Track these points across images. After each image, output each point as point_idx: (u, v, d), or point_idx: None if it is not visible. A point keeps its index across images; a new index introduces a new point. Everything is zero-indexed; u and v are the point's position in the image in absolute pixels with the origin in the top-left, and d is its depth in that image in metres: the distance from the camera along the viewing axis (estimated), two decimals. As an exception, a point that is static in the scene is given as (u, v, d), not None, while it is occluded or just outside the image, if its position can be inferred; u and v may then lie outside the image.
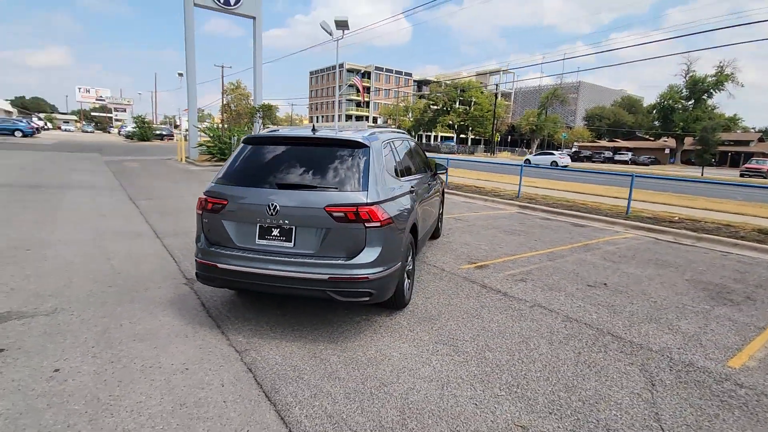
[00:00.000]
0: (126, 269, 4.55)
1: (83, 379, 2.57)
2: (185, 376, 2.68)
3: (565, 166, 31.48)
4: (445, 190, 7.94)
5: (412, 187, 4.09)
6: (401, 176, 3.99)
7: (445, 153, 57.62)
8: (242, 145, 3.61)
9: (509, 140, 71.00)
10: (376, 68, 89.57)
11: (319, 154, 3.37)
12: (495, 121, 61.98)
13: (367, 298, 3.13)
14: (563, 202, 10.77)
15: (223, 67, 56.90)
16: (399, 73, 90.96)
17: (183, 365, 2.80)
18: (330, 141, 3.43)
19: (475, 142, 78.63)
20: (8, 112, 69.51)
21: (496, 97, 62.54)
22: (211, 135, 19.04)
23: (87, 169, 14.60)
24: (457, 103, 67.09)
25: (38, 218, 6.64)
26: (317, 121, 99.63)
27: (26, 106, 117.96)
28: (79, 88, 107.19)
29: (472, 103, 65.34)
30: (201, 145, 19.70)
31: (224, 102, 59.60)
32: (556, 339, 3.38)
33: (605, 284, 4.75)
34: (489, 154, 60.19)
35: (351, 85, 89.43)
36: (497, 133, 67.48)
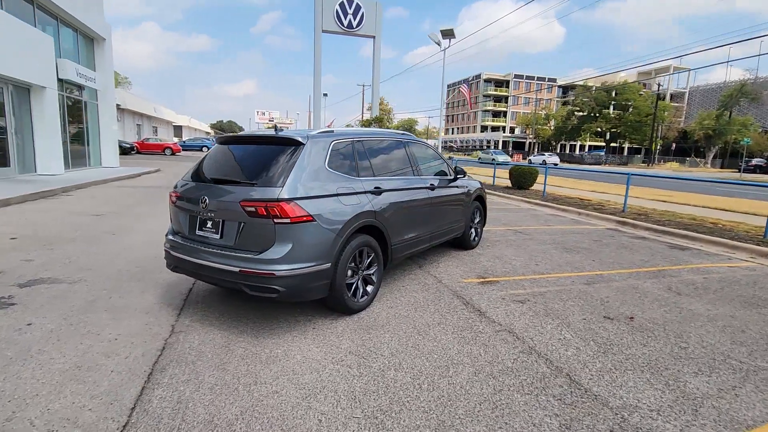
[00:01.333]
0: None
1: (38, 333, 3.16)
2: (107, 344, 3.05)
3: (555, 164, 30.72)
4: (497, 200, 7.18)
5: (377, 187, 3.89)
6: (362, 175, 3.83)
7: (589, 164, 51.71)
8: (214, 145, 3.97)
9: (673, 149, 59.77)
10: (516, 76, 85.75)
11: (258, 152, 3.50)
12: (655, 126, 53.08)
13: (274, 295, 3.10)
14: (685, 219, 8.70)
15: (363, 86, 61.57)
16: (542, 79, 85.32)
17: (117, 335, 3.20)
18: (271, 140, 3.52)
19: (635, 152, 68.53)
20: (207, 133, 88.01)
21: (658, 99, 53.54)
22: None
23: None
24: (611, 108, 59.62)
25: (147, 211, 8.27)
26: (452, 133, 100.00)
27: (222, 127, 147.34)
28: (257, 112, 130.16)
29: (629, 108, 57.28)
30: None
31: (362, 117, 64.21)
32: (490, 370, 2.81)
33: (631, 318, 3.72)
34: (647, 164, 51.73)
35: (487, 96, 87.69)
36: (660, 140, 57.62)
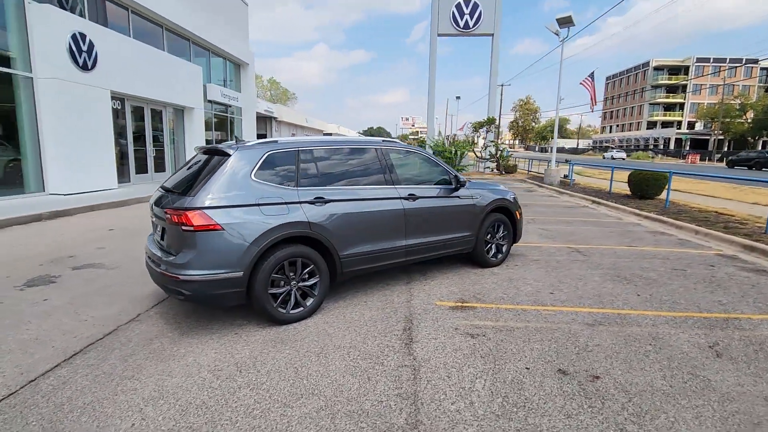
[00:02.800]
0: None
1: (42, 308, 3.99)
2: (74, 323, 3.67)
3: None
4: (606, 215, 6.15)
5: (319, 197, 3.77)
6: (304, 185, 3.76)
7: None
8: None
9: None
10: (699, 60, 70.72)
11: (202, 163, 3.75)
12: None
13: (181, 297, 3.30)
14: None
15: (502, 85, 59.11)
16: (736, 60, 68.45)
17: (90, 317, 3.81)
18: (213, 151, 3.74)
19: None
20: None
21: None
22: (436, 149, 20.63)
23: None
24: None
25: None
26: (609, 131, 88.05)
27: (372, 134, 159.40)
28: (401, 118, 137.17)
29: None
30: (428, 160, 21.62)
31: (499, 117, 61.72)
32: (337, 409, 2.48)
33: (595, 377, 2.80)
34: None
35: (657, 86, 74.13)
36: None
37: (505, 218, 5.40)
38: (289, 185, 3.71)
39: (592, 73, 16.06)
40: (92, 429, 2.34)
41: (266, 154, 3.69)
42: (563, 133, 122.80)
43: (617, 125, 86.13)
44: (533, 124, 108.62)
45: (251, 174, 3.55)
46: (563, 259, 5.82)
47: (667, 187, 10.58)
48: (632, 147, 74.93)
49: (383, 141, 4.57)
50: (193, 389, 2.70)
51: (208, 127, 17.40)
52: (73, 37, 9.69)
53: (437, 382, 2.76)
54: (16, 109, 9.30)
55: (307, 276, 3.77)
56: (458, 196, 4.88)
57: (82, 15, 10.71)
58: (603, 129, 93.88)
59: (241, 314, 3.85)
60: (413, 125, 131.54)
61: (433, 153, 20.67)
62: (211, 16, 16.71)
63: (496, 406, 2.51)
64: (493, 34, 21.49)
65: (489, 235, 5.31)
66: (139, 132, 12.98)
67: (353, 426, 2.33)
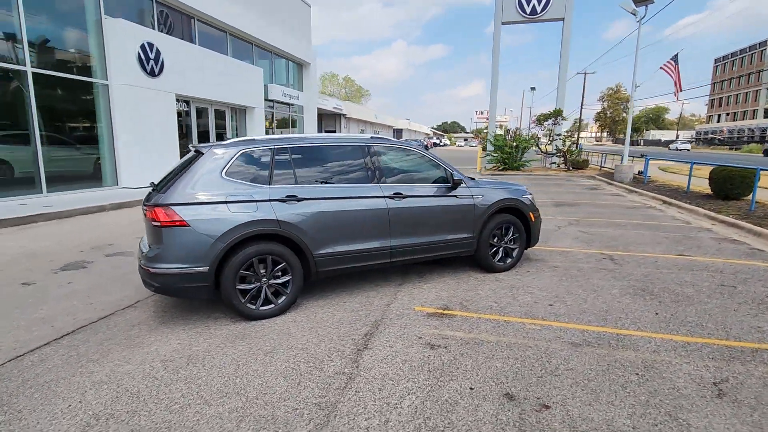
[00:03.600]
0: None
1: (63, 291, 4.46)
2: (81, 306, 4.07)
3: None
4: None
5: (291, 195, 3.76)
6: (278, 183, 3.77)
7: None
8: None
9: None
10: (839, 33, 58.96)
11: (184, 161, 3.92)
12: None
13: (152, 289, 3.49)
14: None
15: (585, 73, 54.79)
16: None
17: (97, 302, 4.21)
18: (197, 149, 3.88)
19: None
20: (427, 134, 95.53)
21: None
22: (496, 144, 19.66)
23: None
24: None
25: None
26: (717, 121, 77.41)
27: (445, 128, 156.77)
28: (476, 111, 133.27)
29: None
30: (487, 154, 20.70)
31: (581, 107, 57.29)
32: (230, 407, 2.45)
33: (545, 407, 2.44)
34: None
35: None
36: None
37: (515, 220, 4.96)
38: (261, 183, 3.75)
39: (676, 55, 14.12)
40: (36, 405, 2.56)
41: (239, 153, 3.76)
42: (660, 124, 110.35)
43: (726, 114, 75.37)
44: (624, 114, 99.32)
45: (222, 172, 3.64)
46: (588, 266, 5.20)
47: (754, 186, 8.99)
48: (744, 138, 65.11)
49: (371, 138, 4.42)
50: (137, 377, 2.84)
51: (270, 125, 18.38)
52: (142, 46, 10.79)
53: (365, 394, 2.61)
54: (96, 113, 10.59)
55: (279, 274, 3.79)
56: (455, 196, 4.58)
57: (152, 26, 11.87)
58: (709, 118, 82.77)
59: (223, 307, 3.98)
60: (487, 119, 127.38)
61: (493, 148, 19.79)
62: (273, 19, 17.57)
63: (411, 428, 2.30)
64: (563, 19, 19.89)
65: (495, 238, 4.92)
66: (203, 131, 14.09)
67: (256, 430, 2.29)
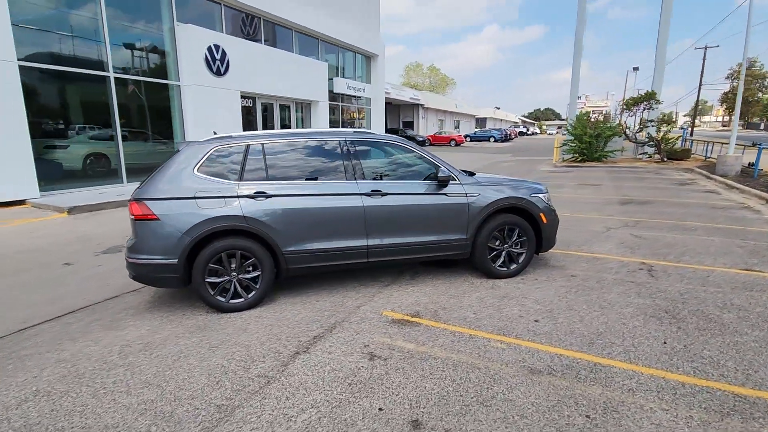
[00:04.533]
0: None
1: (94, 272, 5.04)
2: (99, 282, 4.57)
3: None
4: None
5: (260, 192, 3.76)
6: (249, 179, 3.80)
7: None
8: None
9: None
10: None
11: (167, 157, 4.12)
12: None
13: (131, 278, 3.75)
14: None
15: (706, 47, 47.55)
16: None
17: (110, 284, 4.68)
18: (181, 146, 4.07)
19: None
20: (514, 123, 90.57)
21: None
22: (574, 133, 17.82)
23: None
24: None
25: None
26: None
27: (537, 116, 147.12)
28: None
29: None
30: (564, 144, 18.87)
31: (699, 88, 50.08)
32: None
33: (445, 444, 2.12)
34: None
35: None
36: None
37: (520, 221, 4.43)
38: (232, 180, 3.80)
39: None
40: (3, 376, 2.90)
41: (212, 150, 3.85)
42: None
43: None
44: (759, 94, 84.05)
45: (194, 169, 3.76)
46: (613, 278, 4.47)
47: None
48: None
49: (354, 132, 4.24)
50: (92, 359, 3.08)
51: (335, 118, 18.87)
52: (209, 48, 11.71)
53: (270, 401, 2.52)
54: (171, 111, 11.79)
55: (250, 269, 3.84)
56: (444, 194, 4.21)
57: (220, 28, 12.81)
58: None
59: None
60: (585, 104, 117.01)
61: (572, 137, 18.06)
62: (340, 14, 17.88)
63: (290, 446, 2.16)
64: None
65: (497, 241, 4.44)
66: (269, 125, 14.94)
67: (147, 426, 2.33)
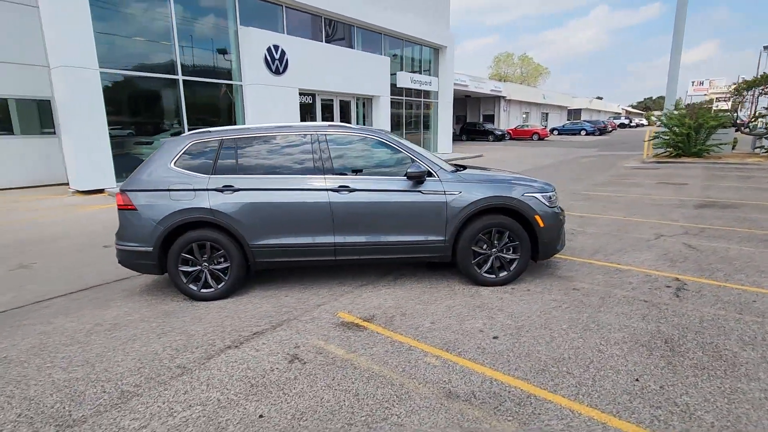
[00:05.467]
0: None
1: (120, 255, 5.62)
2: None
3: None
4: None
5: (228, 185, 3.83)
6: (219, 173, 3.89)
7: None
8: None
9: None
10: None
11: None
12: None
13: (119, 263, 4.06)
14: None
15: None
16: None
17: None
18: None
19: None
20: (616, 113, 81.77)
21: None
22: (667, 123, 15.42)
23: (535, 158, 17.08)
24: None
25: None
26: None
27: (647, 106, 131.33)
28: (692, 82, 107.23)
29: None
30: (655, 137, 16.43)
31: None
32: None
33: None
34: None
35: None
36: None
37: (511, 224, 3.93)
38: (204, 173, 3.92)
39: None
40: (-7, 342, 3.34)
41: (189, 144, 4.00)
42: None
43: None
44: None
45: (171, 162, 3.96)
46: (626, 295, 3.77)
47: None
48: None
49: (329, 126, 4.10)
50: (64, 335, 3.38)
51: (398, 113, 18.77)
52: (268, 49, 12.35)
53: (169, 393, 2.53)
54: (234, 110, 12.70)
55: (222, 260, 3.95)
56: (419, 191, 3.89)
57: (282, 29, 13.43)
58: None
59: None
60: (708, 90, 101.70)
61: (664, 129, 15.76)
62: (405, 8, 17.65)
63: (153, 441, 2.15)
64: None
65: (484, 245, 4.00)
66: (327, 119, 15.36)
67: (53, 403, 2.49)
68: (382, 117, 16.96)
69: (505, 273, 4.05)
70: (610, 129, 47.75)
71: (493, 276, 4.04)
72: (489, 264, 4.04)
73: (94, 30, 9.17)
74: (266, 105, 12.58)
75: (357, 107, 16.51)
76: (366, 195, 3.89)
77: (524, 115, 45.98)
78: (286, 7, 13.38)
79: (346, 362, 2.83)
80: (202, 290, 3.95)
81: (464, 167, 4.36)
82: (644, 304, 3.57)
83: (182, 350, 3.06)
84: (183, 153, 3.99)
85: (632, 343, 2.95)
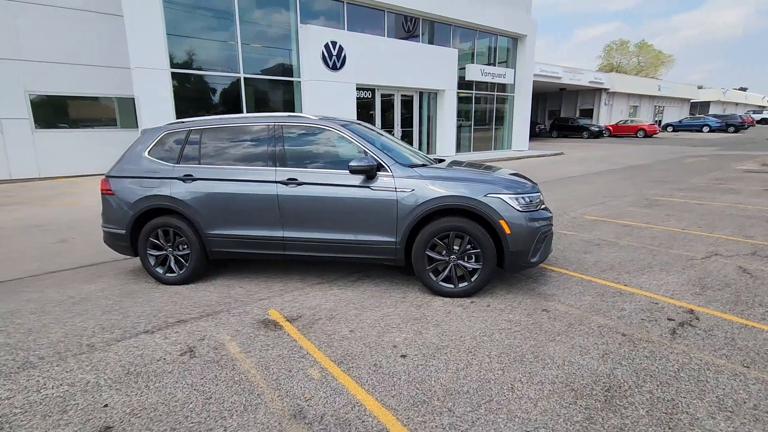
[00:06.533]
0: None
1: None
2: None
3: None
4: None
5: (188, 175, 3.93)
6: (185, 163, 4.00)
7: None
8: None
9: None
10: None
11: None
12: None
13: (104, 242, 4.41)
14: None
15: None
16: None
17: None
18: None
19: None
20: (760, 107, 68.55)
21: None
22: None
23: (617, 160, 15.17)
24: None
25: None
26: None
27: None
28: None
29: None
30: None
31: None
32: None
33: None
34: None
35: None
36: None
37: (472, 228, 3.41)
38: (171, 162, 4.07)
39: None
40: (-12, 304, 3.85)
41: (161, 134, 4.18)
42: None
43: None
44: None
45: (145, 151, 4.17)
46: (605, 323, 3.04)
47: None
48: None
49: (288, 116, 3.96)
50: (41, 302, 3.73)
51: (466, 107, 17.93)
52: (326, 45, 12.60)
53: (55, 370, 2.64)
54: (293, 106, 13.23)
55: (185, 247, 4.08)
56: (369, 187, 3.57)
57: (342, 25, 13.60)
58: None
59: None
60: None
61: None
62: (480, -6, 16.74)
63: None
64: None
65: (443, 250, 3.54)
66: (387, 115, 15.23)
67: (-25, 365, 2.76)
68: (446, 112, 16.35)
69: (466, 284, 3.54)
70: (746, 125, 40.02)
71: (452, 286, 3.56)
72: (447, 272, 3.57)
73: (167, 32, 10.23)
74: (322, 101, 12.89)
75: (420, 102, 16.12)
76: (314, 189, 3.69)
77: (632, 110, 40.91)
78: (347, 3, 13.54)
79: (232, 362, 2.69)
80: (167, 274, 4.12)
81: (460, 162, 3.91)
82: (619, 338, 2.84)
83: (107, 329, 3.20)
84: (156, 143, 4.18)
85: (562, 385, 2.35)
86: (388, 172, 3.59)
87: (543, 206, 3.73)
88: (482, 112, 18.87)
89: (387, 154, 3.71)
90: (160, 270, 4.12)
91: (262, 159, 3.89)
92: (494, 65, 18.51)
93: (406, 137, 15.94)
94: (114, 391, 2.42)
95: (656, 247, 4.90)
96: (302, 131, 3.93)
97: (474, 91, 17.83)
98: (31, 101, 11.31)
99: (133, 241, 4.15)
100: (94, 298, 3.83)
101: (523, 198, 3.47)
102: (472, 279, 3.53)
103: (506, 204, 3.40)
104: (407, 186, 3.53)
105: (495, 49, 18.48)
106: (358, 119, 14.07)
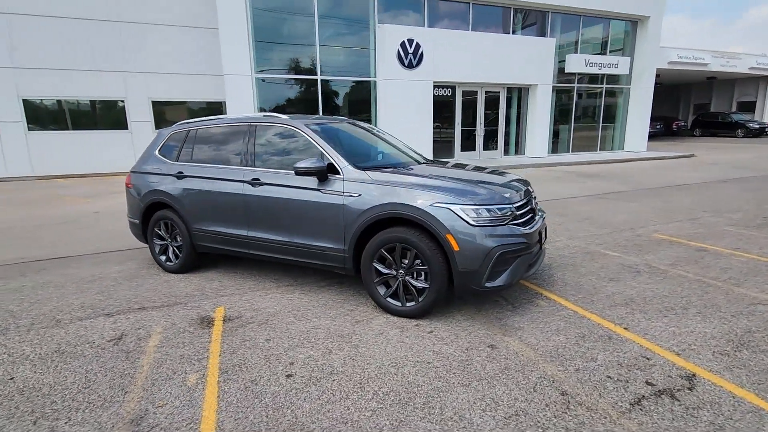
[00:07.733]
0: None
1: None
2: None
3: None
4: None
5: (180, 172, 4.21)
6: (181, 161, 4.29)
7: None
8: None
9: None
10: None
11: None
12: None
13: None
14: None
15: None
16: None
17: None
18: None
19: None
20: None
21: None
22: None
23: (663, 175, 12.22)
24: None
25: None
26: None
27: None
28: None
29: None
30: None
31: None
32: None
33: None
34: None
35: None
36: None
37: (417, 242, 2.98)
38: (172, 160, 4.40)
39: None
40: None
41: (170, 134, 4.54)
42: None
43: None
44: None
45: (156, 150, 4.58)
46: (557, 376, 2.40)
47: None
48: None
49: (263, 116, 3.94)
50: (53, 282, 4.32)
51: (566, 103, 16.08)
52: (402, 44, 12.41)
53: (16, 340, 3.05)
54: (370, 105, 13.36)
55: (180, 239, 4.40)
56: (319, 189, 3.36)
57: (423, 21, 13.26)
58: None
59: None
60: None
61: None
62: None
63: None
64: None
65: (392, 265, 3.18)
66: (468, 112, 14.43)
67: (-23, 325, 3.34)
68: (538, 108, 14.86)
69: (413, 304, 3.13)
70: None
71: (398, 304, 3.18)
72: (394, 288, 3.20)
73: (254, 39, 11.23)
74: (397, 99, 12.78)
75: (509, 99, 14.95)
76: (272, 189, 3.63)
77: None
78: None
79: (139, 355, 2.78)
80: (167, 263, 4.49)
81: (463, 165, 3.52)
82: (554, 398, 2.20)
83: (84, 308, 3.58)
84: (165, 142, 4.57)
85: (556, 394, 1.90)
86: (339, 174, 3.36)
87: (522, 220, 3.10)
88: (585, 108, 16.71)
89: (344, 155, 3.46)
90: (162, 258, 4.50)
91: (236, 158, 3.97)
92: (605, 54, 16.22)
93: (491, 138, 14.96)
94: (31, 365, 2.69)
95: (718, 282, 3.73)
96: (271, 131, 3.90)
97: (576, 85, 15.88)
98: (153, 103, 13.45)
99: (144, 231, 4.61)
100: (105, 278, 4.34)
101: (483, 210, 2.92)
102: (420, 299, 3.10)
103: (455, 216, 2.89)
104: (355, 190, 3.25)
105: (606, 35, 16.17)
106: (435, 119, 13.84)
